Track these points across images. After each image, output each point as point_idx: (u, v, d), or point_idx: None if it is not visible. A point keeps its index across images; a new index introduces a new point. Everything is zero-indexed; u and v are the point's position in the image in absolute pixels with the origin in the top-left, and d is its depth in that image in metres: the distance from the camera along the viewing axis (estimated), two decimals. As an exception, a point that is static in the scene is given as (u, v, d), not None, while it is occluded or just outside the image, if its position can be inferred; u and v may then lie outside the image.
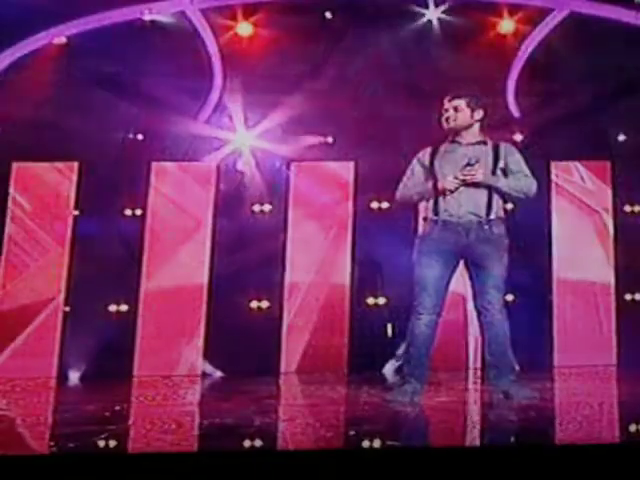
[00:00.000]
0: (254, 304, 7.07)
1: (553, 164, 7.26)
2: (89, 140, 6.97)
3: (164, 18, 7.31)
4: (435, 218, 4.60)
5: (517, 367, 4.66)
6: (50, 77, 7.11)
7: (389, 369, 6.84)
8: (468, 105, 4.64)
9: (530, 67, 7.30)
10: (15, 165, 7.21)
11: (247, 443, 3.32)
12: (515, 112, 7.34)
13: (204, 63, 7.31)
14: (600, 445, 3.18)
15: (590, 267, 7.14)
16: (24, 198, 7.18)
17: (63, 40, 7.25)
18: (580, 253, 7.12)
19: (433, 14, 7.30)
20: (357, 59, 7.04)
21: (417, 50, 7.08)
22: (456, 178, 4.53)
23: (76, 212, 7.17)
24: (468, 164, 4.51)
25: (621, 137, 7.33)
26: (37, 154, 7.10)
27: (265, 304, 7.09)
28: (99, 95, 6.79)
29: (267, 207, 7.28)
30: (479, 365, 6.52)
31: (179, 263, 7.10)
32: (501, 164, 4.63)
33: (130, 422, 4.17)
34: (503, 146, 4.71)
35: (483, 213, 4.55)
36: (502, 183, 4.60)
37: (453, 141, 4.70)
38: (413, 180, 4.74)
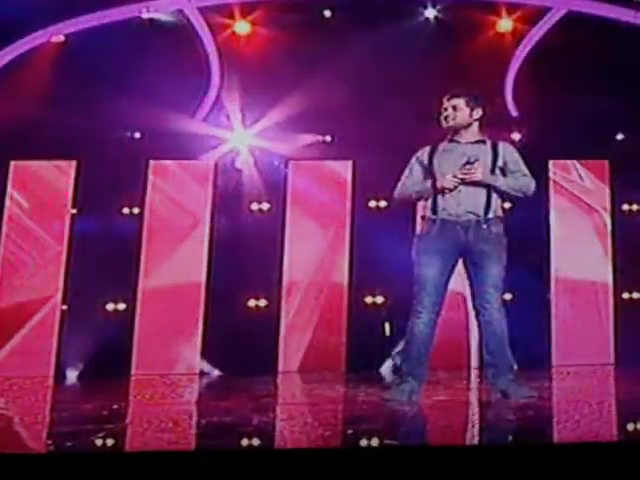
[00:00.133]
0: (252, 303, 7.07)
1: (551, 163, 7.27)
2: (87, 138, 6.98)
3: (162, 16, 7.31)
4: (434, 217, 4.59)
5: (515, 366, 4.65)
6: (48, 75, 7.11)
7: (387, 368, 6.84)
8: (467, 104, 4.63)
9: (528, 66, 7.30)
10: (13, 163, 7.20)
11: (245, 442, 3.32)
12: (513, 111, 7.34)
13: (202, 61, 7.30)
14: (598, 444, 3.17)
15: (588, 266, 7.15)
16: (22, 196, 7.18)
17: (61, 38, 7.24)
18: (578, 252, 7.12)
19: (431, 13, 7.31)
20: (355, 58, 7.03)
21: (415, 49, 7.07)
22: (455, 177, 4.52)
23: (74, 210, 7.16)
24: (467, 163, 4.51)
25: (619, 136, 7.34)
26: (35, 152, 7.10)
27: (263, 303, 7.09)
28: (97, 94, 6.78)
29: (265, 206, 7.28)
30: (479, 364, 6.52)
31: (177, 261, 7.10)
32: (500, 163, 4.62)
33: (128, 421, 4.17)
34: (502, 145, 4.70)
35: (482, 212, 4.54)
36: (501, 182, 4.59)
37: (452, 140, 4.69)
38: (412, 179, 4.74)
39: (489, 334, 4.55)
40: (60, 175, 7.22)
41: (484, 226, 4.53)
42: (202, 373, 6.89)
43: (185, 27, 7.27)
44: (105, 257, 6.85)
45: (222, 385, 6.36)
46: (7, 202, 7.14)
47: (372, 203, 7.21)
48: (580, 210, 7.28)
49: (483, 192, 4.55)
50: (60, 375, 6.78)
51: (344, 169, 7.32)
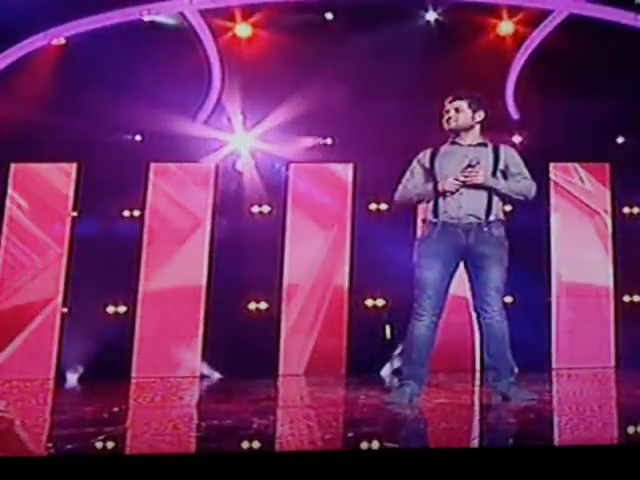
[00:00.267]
0: (252, 305, 7.07)
1: (552, 165, 7.27)
2: (88, 141, 6.97)
3: (163, 19, 7.31)
4: (435, 220, 4.59)
5: (516, 369, 4.65)
6: (49, 78, 7.11)
7: (388, 371, 6.83)
8: (469, 106, 4.63)
9: (529, 69, 7.30)
10: (13, 166, 7.20)
11: (245, 445, 3.31)
12: (514, 114, 7.34)
13: (203, 64, 7.31)
14: (599, 447, 3.17)
15: (589, 269, 7.15)
16: (23, 199, 7.18)
17: (62, 41, 7.25)
18: (579, 255, 7.12)
19: (432, 16, 7.31)
20: (356, 61, 7.03)
21: (416, 52, 7.06)
22: (456, 179, 4.52)
23: (75, 213, 7.16)
24: (469, 165, 4.51)
25: (620, 139, 7.34)
26: (36, 154, 7.10)
27: (264, 306, 7.08)
28: (98, 96, 6.77)
29: (266, 208, 7.28)
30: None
31: (178, 264, 7.09)
32: (501, 166, 4.62)
33: (128, 424, 4.16)
34: (503, 148, 4.71)
35: (483, 215, 4.54)
36: (502, 185, 4.59)
37: (453, 142, 4.69)
38: (413, 181, 4.73)
39: (490, 337, 4.55)
40: (61, 177, 7.22)
41: (485, 229, 4.53)
42: (202, 376, 6.88)
43: (186, 30, 7.27)
44: (106, 260, 6.84)
45: (222, 388, 6.35)
46: (8, 204, 7.14)
47: (373, 206, 7.21)
48: (581, 213, 7.28)
49: (484, 195, 4.55)
50: (60, 378, 6.77)
51: (345, 172, 7.32)
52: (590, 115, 6.76)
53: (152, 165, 7.27)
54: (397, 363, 6.58)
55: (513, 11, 7.32)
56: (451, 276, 4.58)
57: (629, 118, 6.98)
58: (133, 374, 6.80)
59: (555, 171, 7.30)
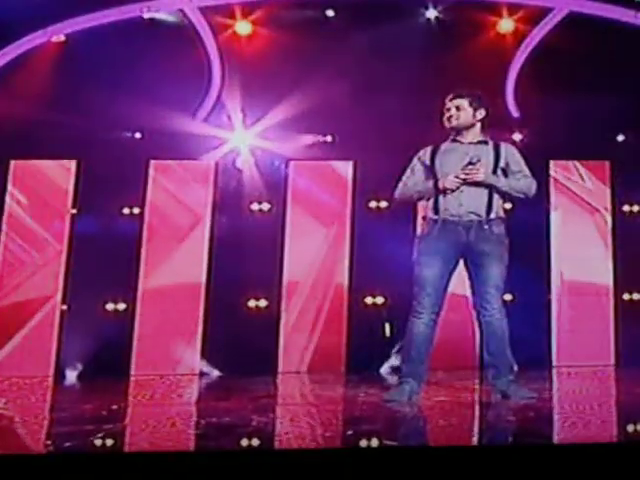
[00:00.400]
0: (252, 303, 7.06)
1: (552, 163, 7.26)
2: (88, 138, 6.97)
3: (163, 16, 7.30)
4: (435, 217, 4.59)
5: (516, 367, 4.65)
6: (48, 75, 7.10)
7: (387, 369, 6.83)
8: (470, 104, 4.63)
9: (529, 67, 7.29)
10: (13, 162, 7.20)
11: (244, 442, 3.31)
12: (514, 112, 7.33)
13: (203, 61, 7.30)
14: (598, 445, 3.16)
15: (589, 267, 7.14)
16: (22, 195, 7.17)
17: (62, 38, 7.24)
18: (579, 253, 7.12)
19: (433, 14, 7.30)
20: (356, 58, 7.03)
21: (417, 49, 7.05)
22: (457, 177, 4.52)
23: (74, 210, 7.16)
24: (470, 163, 4.51)
25: (620, 137, 7.34)
26: (36, 151, 7.09)
27: (263, 303, 7.08)
28: (98, 93, 6.77)
29: (266, 206, 7.27)
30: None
31: (177, 262, 7.09)
32: (502, 164, 4.62)
33: (127, 421, 4.16)
34: (504, 146, 4.70)
35: (483, 212, 4.54)
36: (502, 183, 4.59)
37: (454, 140, 4.69)
38: (413, 179, 4.73)
39: (489, 334, 4.55)
40: (61, 174, 7.21)
41: (486, 226, 4.53)
42: (202, 373, 6.88)
43: (186, 27, 7.27)
44: (105, 257, 6.83)
45: (222, 385, 6.35)
46: (7, 201, 7.13)
47: (373, 203, 7.20)
48: (581, 211, 7.28)
49: (485, 193, 4.55)
50: (60, 375, 6.77)
51: (345, 169, 7.32)
52: (590, 113, 6.75)
53: (152, 162, 7.26)
54: (396, 361, 6.57)
55: (513, 9, 7.32)
56: (451, 274, 4.57)
57: (629, 116, 6.97)
58: (132, 371, 6.80)
59: (555, 169, 7.30)
